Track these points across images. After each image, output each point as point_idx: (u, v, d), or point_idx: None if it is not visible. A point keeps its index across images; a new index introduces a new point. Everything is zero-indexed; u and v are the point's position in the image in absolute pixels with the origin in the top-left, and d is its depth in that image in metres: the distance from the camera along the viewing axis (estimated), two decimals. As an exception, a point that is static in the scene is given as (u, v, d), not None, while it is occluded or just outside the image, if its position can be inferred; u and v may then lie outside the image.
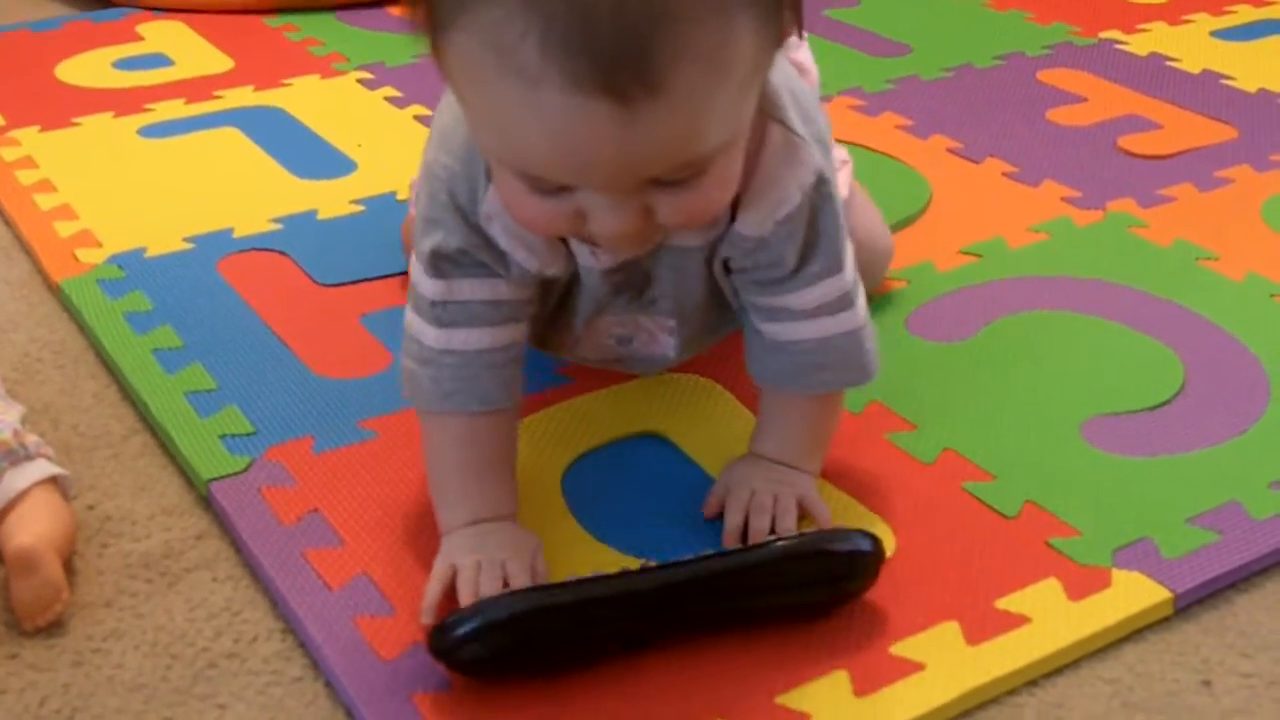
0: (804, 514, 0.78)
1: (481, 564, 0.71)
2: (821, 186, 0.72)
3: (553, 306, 0.78)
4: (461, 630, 0.67)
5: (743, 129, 0.65)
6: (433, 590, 0.71)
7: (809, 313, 0.76)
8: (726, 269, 0.76)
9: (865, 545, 0.72)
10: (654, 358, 0.83)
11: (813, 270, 0.74)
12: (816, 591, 0.72)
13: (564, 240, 0.73)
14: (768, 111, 0.70)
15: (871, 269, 0.93)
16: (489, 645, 0.67)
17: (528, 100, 0.58)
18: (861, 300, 0.77)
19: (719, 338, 0.85)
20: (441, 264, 0.72)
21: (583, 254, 0.74)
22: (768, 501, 0.77)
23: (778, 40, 0.64)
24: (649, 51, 0.57)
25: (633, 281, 0.76)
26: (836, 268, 0.75)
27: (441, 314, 0.73)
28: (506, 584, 0.70)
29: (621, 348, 0.82)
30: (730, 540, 0.77)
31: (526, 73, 0.57)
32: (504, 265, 0.72)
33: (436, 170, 0.72)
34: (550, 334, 0.81)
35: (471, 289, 0.73)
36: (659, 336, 0.81)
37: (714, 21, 0.58)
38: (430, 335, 0.73)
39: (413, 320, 0.75)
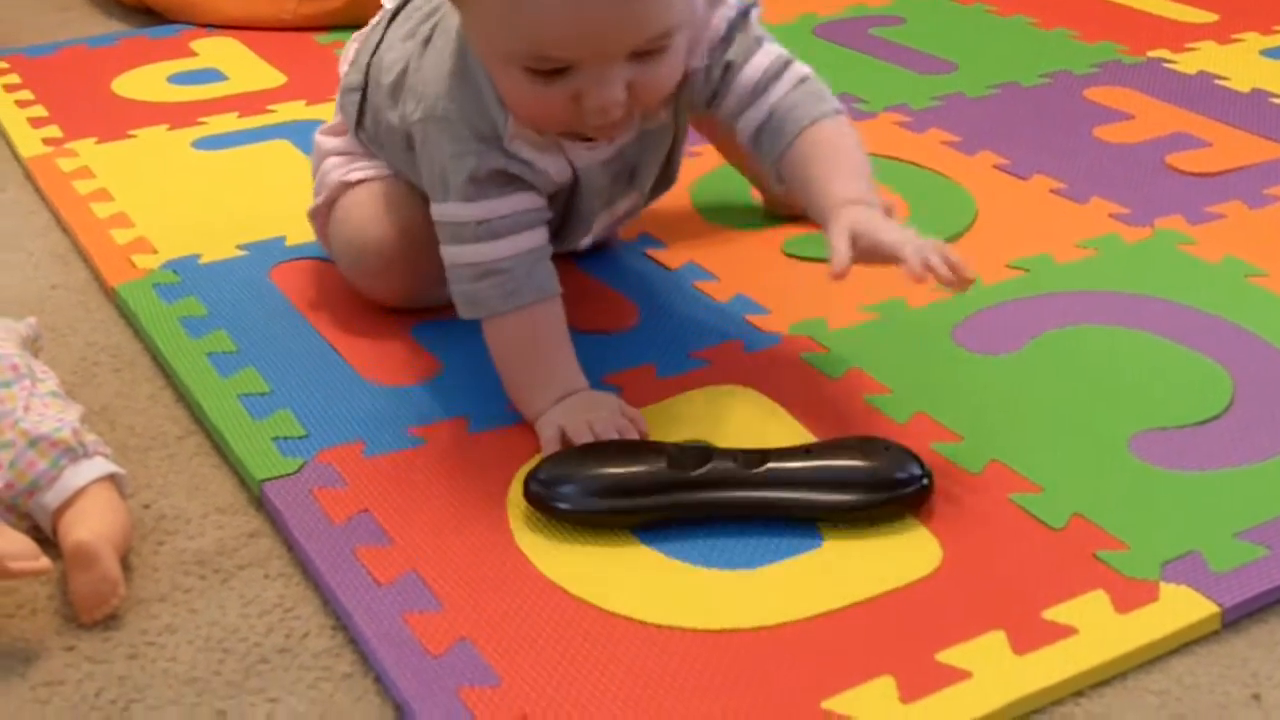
0: None
1: (590, 422, 0.83)
2: (740, 17, 0.89)
3: (560, 211, 0.92)
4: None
5: (692, 11, 0.85)
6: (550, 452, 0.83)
7: (762, 78, 0.89)
8: (707, 107, 0.91)
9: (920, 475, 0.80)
10: (631, 214, 1.02)
11: (747, 49, 0.90)
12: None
13: (565, 154, 0.88)
14: None
15: None
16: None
17: None
18: (802, 64, 0.91)
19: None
20: (479, 187, 0.86)
21: (581, 156, 0.89)
22: (931, 248, 0.80)
23: None
24: None
25: (625, 169, 0.93)
26: (759, 45, 0.90)
27: (488, 230, 0.86)
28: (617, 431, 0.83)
29: (611, 219, 0.99)
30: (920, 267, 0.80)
31: None
32: (534, 174, 0.87)
33: (449, 115, 0.86)
34: (563, 235, 0.95)
35: (507, 205, 0.86)
36: (636, 199, 0.99)
37: None
38: (483, 252, 0.86)
39: (456, 251, 0.87)
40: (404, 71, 0.93)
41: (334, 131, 1.04)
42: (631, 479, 0.79)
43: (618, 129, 0.87)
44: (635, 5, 0.78)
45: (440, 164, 0.87)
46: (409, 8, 0.98)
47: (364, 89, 0.99)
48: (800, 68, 0.91)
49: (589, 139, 0.88)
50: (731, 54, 0.89)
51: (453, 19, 0.89)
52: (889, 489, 0.79)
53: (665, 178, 1.00)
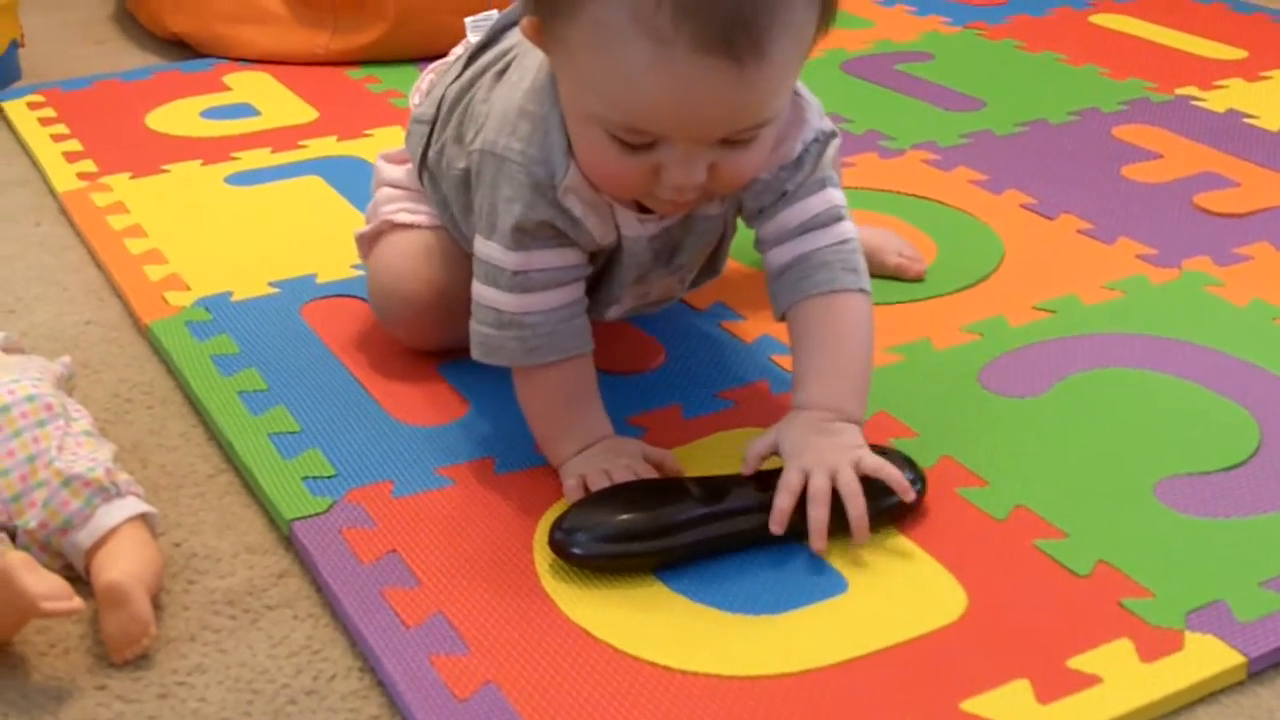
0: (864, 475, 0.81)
1: (607, 470, 0.83)
2: (816, 145, 0.88)
3: (595, 275, 0.91)
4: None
5: (790, 100, 0.83)
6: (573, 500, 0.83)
7: (809, 222, 0.88)
8: (751, 220, 0.90)
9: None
10: (667, 299, 0.99)
11: (807, 187, 0.88)
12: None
13: (614, 219, 0.87)
14: None
15: None
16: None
17: (658, 58, 0.73)
18: (852, 224, 0.89)
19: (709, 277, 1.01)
20: (522, 237, 0.85)
21: (631, 225, 0.88)
22: (824, 484, 0.80)
23: (827, 28, 0.80)
24: (760, 23, 0.73)
25: (667, 248, 0.91)
26: (820, 187, 0.88)
27: (522, 281, 0.85)
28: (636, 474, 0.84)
29: (643, 299, 0.97)
30: (779, 523, 0.80)
31: (661, 35, 0.73)
32: (577, 232, 0.85)
33: (508, 154, 0.84)
34: (593, 300, 0.91)
35: (546, 259, 0.86)
36: (674, 286, 0.98)
37: (803, 4, 0.76)
38: (512, 303, 0.85)
39: (487, 292, 0.86)
40: (470, 102, 0.93)
41: (396, 160, 1.04)
42: (653, 520, 0.80)
43: (686, 207, 0.85)
44: (744, 94, 0.75)
45: (491, 201, 0.86)
46: (496, 48, 0.96)
47: (434, 123, 0.97)
48: (847, 227, 0.88)
49: (646, 210, 0.87)
50: (792, 184, 0.87)
51: (532, 56, 0.87)
52: (882, 496, 0.81)
53: (711, 268, 0.99)
